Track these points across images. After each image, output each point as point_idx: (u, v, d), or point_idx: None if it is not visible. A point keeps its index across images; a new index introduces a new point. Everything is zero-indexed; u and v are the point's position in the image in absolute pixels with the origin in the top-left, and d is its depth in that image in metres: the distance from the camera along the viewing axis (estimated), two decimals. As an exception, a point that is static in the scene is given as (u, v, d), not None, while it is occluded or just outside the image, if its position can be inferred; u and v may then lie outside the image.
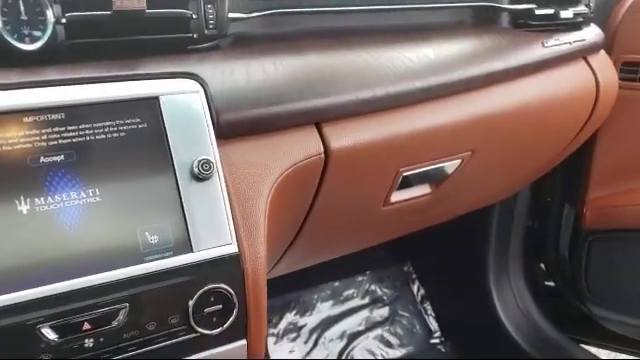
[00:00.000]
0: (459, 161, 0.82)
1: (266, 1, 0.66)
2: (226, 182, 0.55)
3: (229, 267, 0.54)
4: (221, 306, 0.53)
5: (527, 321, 1.39)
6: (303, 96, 0.61)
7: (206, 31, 0.60)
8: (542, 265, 1.48)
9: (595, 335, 1.40)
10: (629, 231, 1.21)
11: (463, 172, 0.85)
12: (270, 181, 0.58)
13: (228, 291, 0.53)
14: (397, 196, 0.81)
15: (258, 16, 0.64)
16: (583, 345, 1.42)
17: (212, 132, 0.55)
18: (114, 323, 0.49)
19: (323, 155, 0.63)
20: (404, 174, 0.75)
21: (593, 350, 1.48)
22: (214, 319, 0.53)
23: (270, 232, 0.60)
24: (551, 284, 1.49)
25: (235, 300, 0.54)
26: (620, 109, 1.15)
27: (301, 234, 0.74)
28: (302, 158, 0.61)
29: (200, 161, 0.53)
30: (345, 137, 0.64)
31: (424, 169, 0.78)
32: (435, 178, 0.84)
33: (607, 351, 1.47)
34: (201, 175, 0.53)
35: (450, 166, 0.82)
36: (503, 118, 0.81)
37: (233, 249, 0.54)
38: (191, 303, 0.52)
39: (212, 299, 0.53)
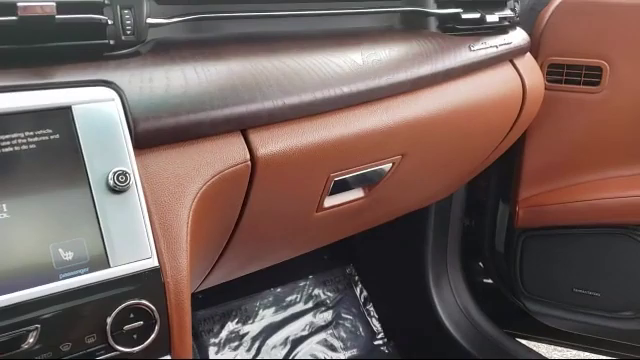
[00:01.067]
0: (390, 165, 0.82)
1: (188, 6, 0.64)
2: (145, 193, 0.53)
3: (149, 282, 0.52)
4: (142, 322, 0.51)
5: (466, 319, 1.42)
6: (226, 103, 0.60)
7: (123, 37, 0.57)
8: (480, 263, 1.51)
9: (532, 330, 1.44)
10: (559, 228, 1.25)
11: (395, 175, 0.86)
12: (193, 191, 0.57)
13: (148, 307, 0.51)
14: (330, 201, 0.80)
15: (179, 22, 0.62)
16: (521, 340, 1.46)
17: (129, 142, 0.53)
18: (24, 346, 0.46)
19: (249, 162, 0.62)
20: (335, 179, 0.75)
21: (532, 345, 1.52)
22: (135, 336, 0.51)
23: (196, 243, 0.58)
24: (489, 282, 1.53)
25: (156, 316, 0.52)
26: (547, 110, 1.19)
27: (232, 243, 0.72)
28: (227, 166, 0.60)
29: (116, 172, 0.51)
30: (272, 144, 0.63)
31: (355, 173, 0.78)
32: (368, 182, 0.85)
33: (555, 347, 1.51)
34: (117, 187, 0.51)
35: (382, 170, 0.83)
36: (432, 122, 0.82)
37: (153, 263, 0.52)
38: (109, 321, 0.50)
39: (132, 316, 0.51)
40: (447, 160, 0.98)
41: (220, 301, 1.39)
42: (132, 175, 0.52)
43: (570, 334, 1.38)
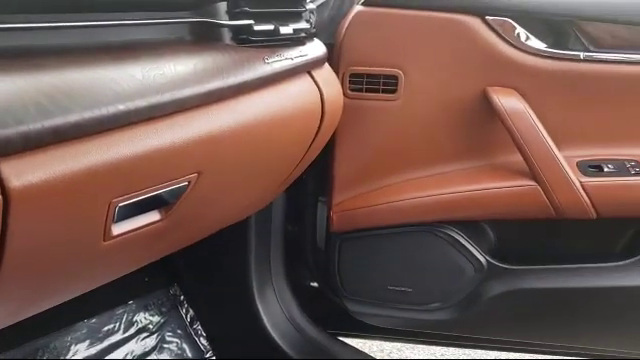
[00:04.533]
0: (186, 183, 0.78)
1: None
2: None
3: None
4: None
5: (291, 325, 1.43)
6: (-34, 130, 0.51)
7: None
8: (305, 268, 1.53)
9: (356, 329, 1.49)
10: (371, 230, 1.31)
11: (194, 194, 0.82)
12: None
13: None
14: (120, 228, 0.74)
15: None
16: (346, 339, 1.50)
17: None
18: None
19: (0, 196, 0.54)
20: (120, 205, 0.69)
21: (359, 343, 1.58)
22: None
23: None
24: (315, 285, 1.55)
25: None
26: (352, 118, 1.24)
27: (-2, 286, 0.63)
28: (-31, 203, 0.52)
29: None
30: (30, 173, 0.56)
31: (145, 196, 0.73)
32: (164, 203, 0.80)
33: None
34: None
35: (178, 190, 0.78)
36: (228, 137, 0.80)
37: None
38: None
39: None
40: (252, 174, 0.96)
41: (22, 341, 1.24)
42: None
43: (390, 329, 1.45)
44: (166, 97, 0.70)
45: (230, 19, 0.86)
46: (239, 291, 1.41)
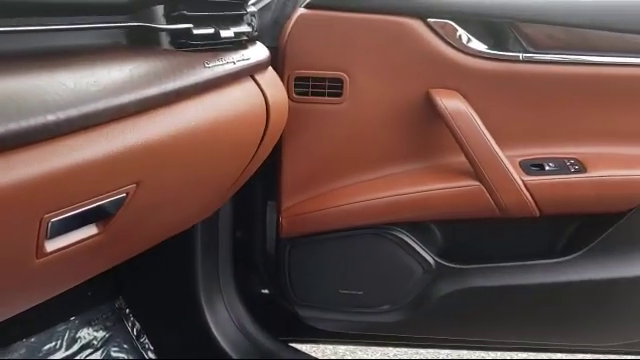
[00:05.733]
0: (124, 195, 0.75)
1: None
2: None
3: None
4: None
5: (241, 334, 1.40)
6: None
7: None
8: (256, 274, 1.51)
9: (308, 334, 1.48)
10: (321, 234, 1.30)
11: (134, 205, 0.78)
12: None
13: None
14: (54, 244, 0.70)
15: None
16: (298, 345, 1.49)
17: None
18: None
19: None
20: (53, 220, 0.66)
21: (312, 348, 1.56)
22: None
23: None
24: (266, 292, 1.53)
25: None
26: (299, 122, 1.22)
27: None
28: None
29: None
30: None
31: (80, 210, 0.69)
32: (102, 216, 0.76)
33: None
34: None
35: (116, 201, 0.75)
36: (167, 145, 0.77)
37: None
38: None
39: None
40: (195, 182, 0.93)
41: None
42: None
43: (342, 333, 1.44)
44: (100, 105, 0.67)
45: (168, 23, 0.83)
46: (187, 301, 1.37)
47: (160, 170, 0.80)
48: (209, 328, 1.36)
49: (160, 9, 0.82)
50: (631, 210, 1.18)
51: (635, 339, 1.34)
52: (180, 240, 1.25)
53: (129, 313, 1.48)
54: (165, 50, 0.83)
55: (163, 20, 0.83)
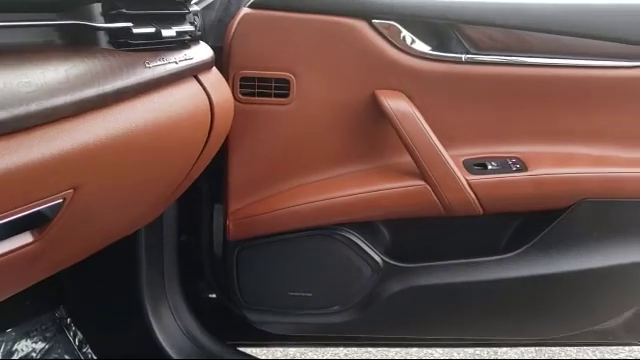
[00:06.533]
0: (61, 201, 0.71)
1: None
2: None
3: None
4: None
5: (188, 339, 1.38)
6: None
7: None
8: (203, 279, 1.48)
9: (257, 338, 1.46)
10: (269, 236, 1.28)
11: (71, 211, 0.75)
12: None
13: None
14: (-14, 253, 0.66)
15: None
16: (246, 349, 1.47)
17: None
18: None
19: None
20: (-18, 228, 0.62)
21: (264, 350, 1.55)
22: None
23: None
24: (214, 296, 1.51)
25: None
26: (245, 124, 1.21)
27: None
28: None
29: None
30: None
31: (12, 218, 0.66)
32: (37, 224, 0.72)
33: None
34: None
35: (52, 208, 0.71)
36: (105, 148, 0.74)
37: None
38: None
39: None
40: (137, 185, 0.90)
41: None
42: None
43: (292, 335, 1.43)
44: (33, 107, 0.63)
45: (106, 21, 0.80)
46: (130, 309, 1.33)
47: (99, 174, 0.77)
48: (155, 335, 1.33)
49: (98, 7, 0.79)
50: (571, 206, 1.22)
51: (576, 330, 1.39)
52: (123, 245, 1.21)
53: (70, 323, 1.42)
54: (103, 50, 0.80)
55: (101, 18, 0.80)
